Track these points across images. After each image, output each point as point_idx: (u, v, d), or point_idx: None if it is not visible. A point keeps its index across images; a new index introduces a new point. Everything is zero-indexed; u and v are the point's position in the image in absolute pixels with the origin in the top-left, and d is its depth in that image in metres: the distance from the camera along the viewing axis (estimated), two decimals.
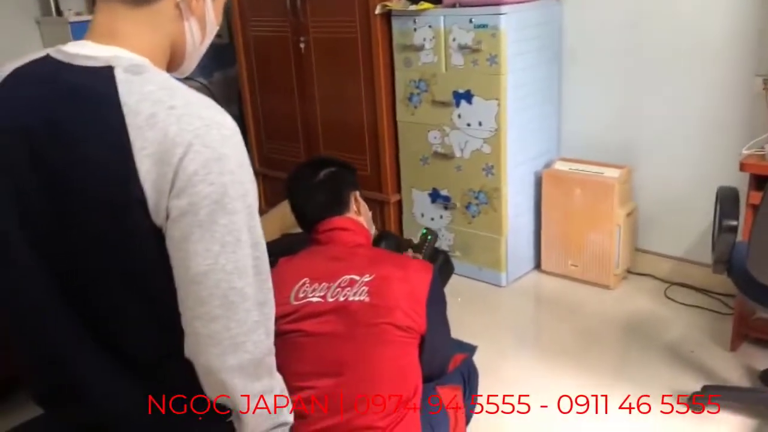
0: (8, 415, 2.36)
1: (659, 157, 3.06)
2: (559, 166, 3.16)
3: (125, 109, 0.90)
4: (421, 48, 3.09)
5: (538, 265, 3.31)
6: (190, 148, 0.89)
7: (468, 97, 3.00)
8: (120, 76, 0.93)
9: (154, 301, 0.97)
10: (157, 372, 1.01)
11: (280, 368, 1.52)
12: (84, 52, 0.97)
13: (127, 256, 0.94)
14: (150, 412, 1.01)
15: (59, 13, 4.19)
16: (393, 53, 3.23)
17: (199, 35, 1.08)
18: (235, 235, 0.92)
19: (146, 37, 1.00)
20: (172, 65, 1.08)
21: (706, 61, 2.82)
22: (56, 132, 0.93)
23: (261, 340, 0.97)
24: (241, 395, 0.96)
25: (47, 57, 0.99)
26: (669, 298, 2.97)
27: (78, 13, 4.09)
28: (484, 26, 2.86)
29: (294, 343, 1.52)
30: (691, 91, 2.89)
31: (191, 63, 1.12)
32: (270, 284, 0.99)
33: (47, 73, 0.97)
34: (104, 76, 0.93)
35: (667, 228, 3.12)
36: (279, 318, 1.56)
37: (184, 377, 0.97)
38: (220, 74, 4.35)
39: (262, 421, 1.01)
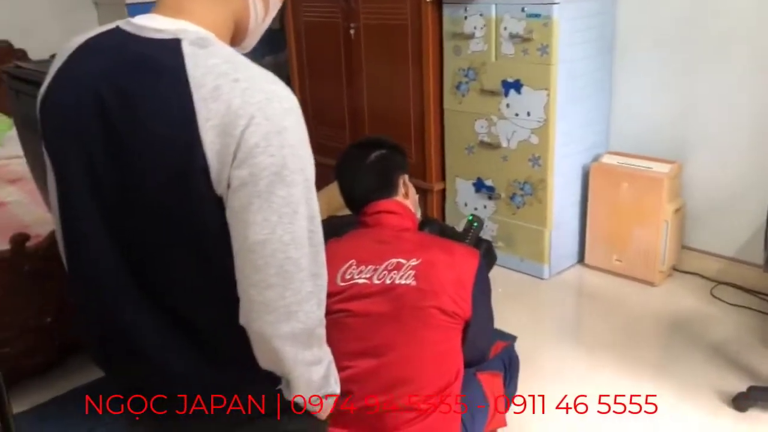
0: (70, 377, 2.47)
1: (710, 154, 2.99)
2: (608, 159, 3.12)
3: (191, 81, 0.92)
4: (471, 36, 3.08)
5: (581, 259, 3.28)
6: (252, 121, 0.90)
7: (517, 86, 2.98)
8: (186, 48, 0.95)
9: (213, 269, 0.99)
10: (213, 337, 1.03)
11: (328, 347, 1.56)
12: (152, 24, 0.99)
13: (189, 223, 0.96)
14: (205, 374, 1.04)
15: None
16: (442, 41, 3.22)
17: (262, 12, 1.10)
18: (292, 207, 0.94)
19: (212, 12, 1.02)
20: (234, 41, 1.10)
21: (764, 57, 2.75)
22: (125, 100, 0.95)
23: (313, 310, 0.99)
24: (292, 363, 0.99)
25: (116, 29, 1.02)
26: (715, 297, 2.92)
27: None
28: (536, 15, 2.84)
29: (339, 323, 1.54)
30: (746, 87, 2.82)
31: (253, 39, 1.14)
32: (323, 257, 1.00)
33: (116, 44, 1.00)
34: (171, 48, 0.95)
35: (715, 226, 3.05)
36: (326, 297, 1.59)
37: (239, 344, 1.00)
38: (270, 59, 4.40)
39: (311, 389, 1.04)
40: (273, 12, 1.13)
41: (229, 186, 0.92)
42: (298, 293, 0.96)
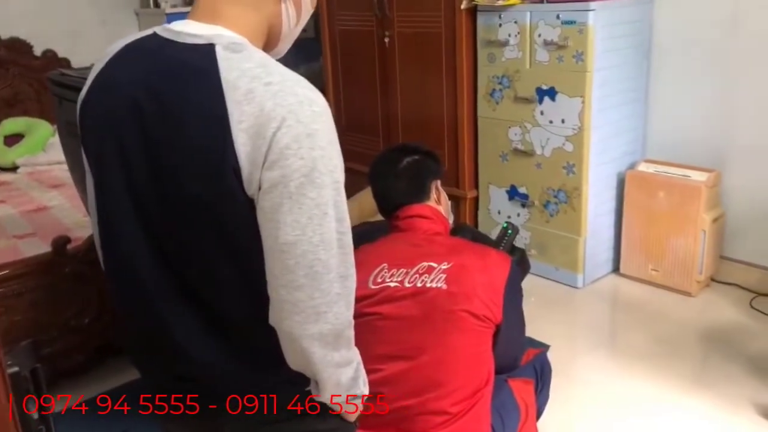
0: (107, 378, 2.51)
1: (751, 162, 2.93)
2: (644, 167, 3.08)
3: (225, 84, 0.94)
4: (505, 43, 3.07)
5: (616, 268, 3.24)
6: (284, 123, 0.92)
7: (552, 94, 2.96)
8: (220, 53, 0.97)
9: (245, 269, 1.01)
10: (246, 336, 1.05)
11: (358, 349, 1.57)
12: (188, 30, 1.02)
13: (221, 223, 0.98)
14: (238, 373, 1.06)
15: (157, 5, 4.38)
16: (476, 49, 3.22)
17: (294, 18, 1.12)
18: (322, 209, 0.95)
19: (246, 17, 1.05)
20: (267, 46, 1.12)
21: None
22: (160, 104, 0.98)
23: (342, 312, 1.00)
24: (320, 364, 1.00)
25: (154, 34, 1.05)
26: (755, 308, 2.85)
27: (174, 6, 4.28)
28: (571, 22, 2.82)
29: (371, 326, 1.55)
30: None
31: (285, 45, 1.16)
32: (352, 259, 1.02)
33: (153, 49, 1.03)
34: (206, 52, 0.98)
35: (756, 236, 2.99)
36: (358, 300, 1.60)
37: (269, 341, 1.02)
38: (305, 68, 4.45)
39: (339, 390, 1.05)
40: (305, 18, 1.15)
41: (260, 188, 0.94)
42: (326, 294, 0.97)
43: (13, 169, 3.73)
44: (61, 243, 2.42)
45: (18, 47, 3.99)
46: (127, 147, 1.02)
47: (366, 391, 1.11)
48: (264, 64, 0.98)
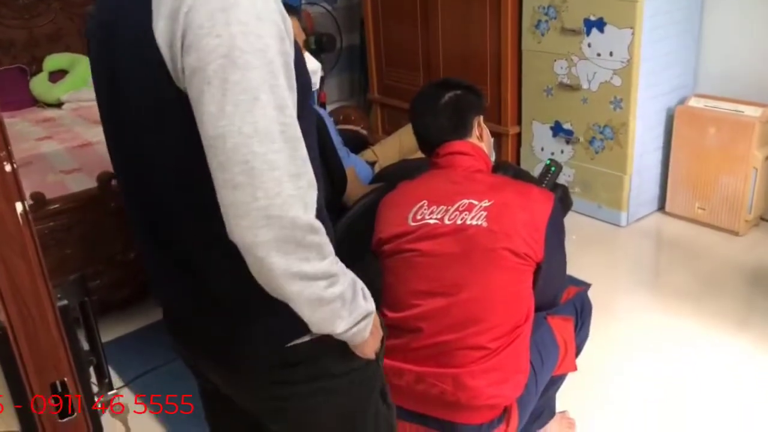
0: (152, 311, 2.59)
1: None
2: (694, 102, 2.97)
3: None
4: None
5: (662, 207, 3.17)
6: (197, 1, 0.84)
7: (600, 25, 2.85)
8: None
9: (190, 181, 0.94)
10: (203, 267, 1.01)
11: (397, 285, 1.58)
12: None
13: (161, 128, 0.93)
14: (203, 313, 1.05)
15: None
16: None
17: None
18: (251, 94, 0.83)
19: None
20: None
21: None
22: (119, 15, 0.95)
23: (299, 215, 0.85)
24: (284, 276, 0.86)
25: None
26: None
27: None
28: None
29: (410, 262, 1.55)
30: None
31: None
32: (305, 154, 0.88)
33: None
34: None
35: None
36: (397, 237, 1.60)
37: (228, 273, 0.95)
38: (344, 1, 4.36)
39: (324, 308, 0.91)
40: None
41: (184, 77, 0.86)
42: (275, 196, 0.84)
43: (58, 105, 3.78)
44: (105, 179, 2.47)
45: None
46: (101, 64, 1.01)
47: (371, 307, 0.99)
48: None
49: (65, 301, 0.76)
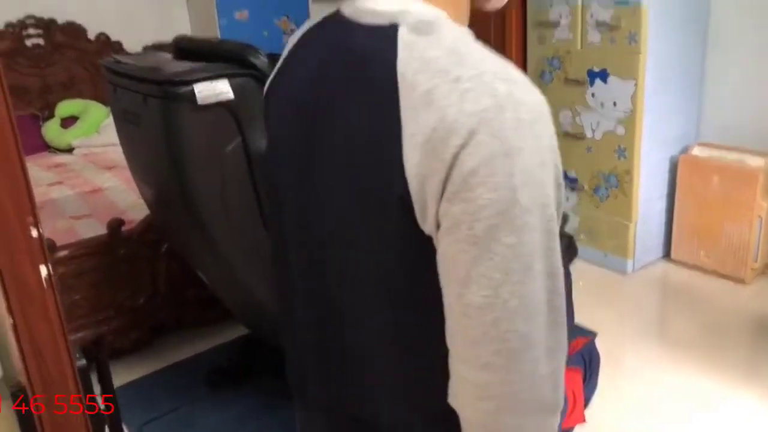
0: (159, 356, 2.59)
1: None
2: (698, 151, 3.00)
3: (400, 82, 0.71)
4: (556, 24, 3.02)
5: (667, 254, 3.18)
6: (472, 138, 0.66)
7: (603, 76, 2.90)
8: (404, 37, 0.73)
9: (405, 326, 0.81)
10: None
11: None
12: (372, 5, 0.79)
13: (379, 263, 0.77)
14: None
15: None
16: (526, 29, 3.17)
17: None
18: (525, 261, 0.68)
19: None
20: (479, 4, 0.86)
21: None
22: (327, 106, 0.80)
23: (546, 395, 0.74)
24: None
25: (336, 13, 0.85)
26: None
27: None
28: (624, 3, 2.75)
29: None
30: None
31: None
32: (564, 329, 0.75)
33: (330, 35, 0.84)
34: (386, 36, 0.74)
35: None
36: None
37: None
38: None
39: None
40: None
41: (438, 225, 0.70)
42: (528, 377, 0.71)
43: (69, 150, 3.84)
44: (115, 225, 2.50)
45: (73, 31, 4.09)
46: (297, 156, 0.85)
47: None
48: (456, 50, 0.71)
49: (84, 362, 0.77)
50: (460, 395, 0.74)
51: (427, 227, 0.71)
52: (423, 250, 0.72)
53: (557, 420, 0.77)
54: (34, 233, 0.69)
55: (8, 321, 0.71)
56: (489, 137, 0.66)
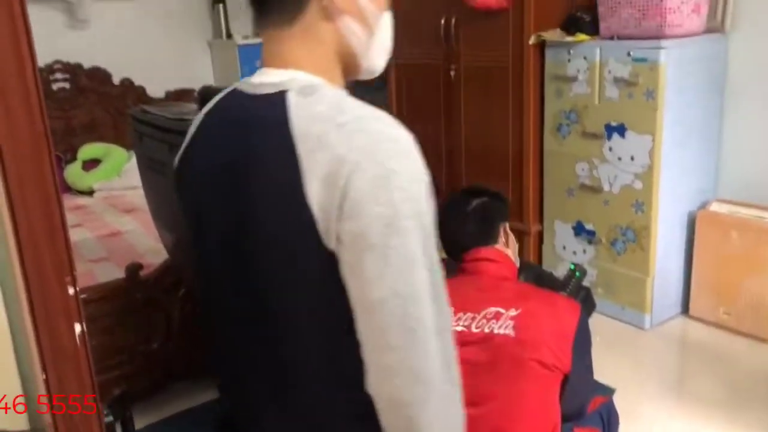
0: (173, 402, 2.57)
1: None
2: (716, 207, 3.00)
3: (295, 133, 0.89)
4: (574, 79, 3.05)
5: (686, 310, 3.14)
6: (358, 166, 0.84)
7: (621, 130, 2.92)
8: (292, 99, 0.92)
9: (326, 330, 0.95)
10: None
11: None
12: (263, 79, 0.98)
13: (302, 281, 0.92)
14: None
15: (229, 36, 4.52)
16: (544, 83, 3.21)
17: (362, 32, 1.01)
18: (410, 258, 0.86)
19: (313, 53, 0.98)
20: (353, 71, 1.05)
21: None
22: (244, 164, 0.95)
23: (439, 369, 0.89)
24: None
25: (234, 90, 1.03)
26: None
27: (245, 37, 4.40)
28: (642, 60, 2.79)
29: None
30: None
31: (373, 61, 1.06)
32: (448, 310, 0.92)
33: (233, 107, 1.02)
34: (279, 101, 0.93)
35: None
36: None
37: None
38: (369, 98, 4.48)
39: None
40: (380, 26, 1.04)
41: (339, 240, 0.87)
42: (425, 355, 0.88)
43: (90, 193, 3.89)
44: (134, 269, 2.51)
45: (98, 76, 4.18)
46: (219, 209, 1.00)
47: None
48: (337, 104, 0.91)
49: (110, 418, 0.77)
50: (373, 379, 0.89)
51: (331, 244, 0.87)
52: (331, 264, 0.88)
53: (457, 394, 0.93)
54: (71, 291, 0.70)
55: (41, 377, 0.72)
56: (371, 165, 0.85)
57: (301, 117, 0.90)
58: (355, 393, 0.91)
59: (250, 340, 1.03)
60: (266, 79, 0.98)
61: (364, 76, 1.07)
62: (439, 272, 0.90)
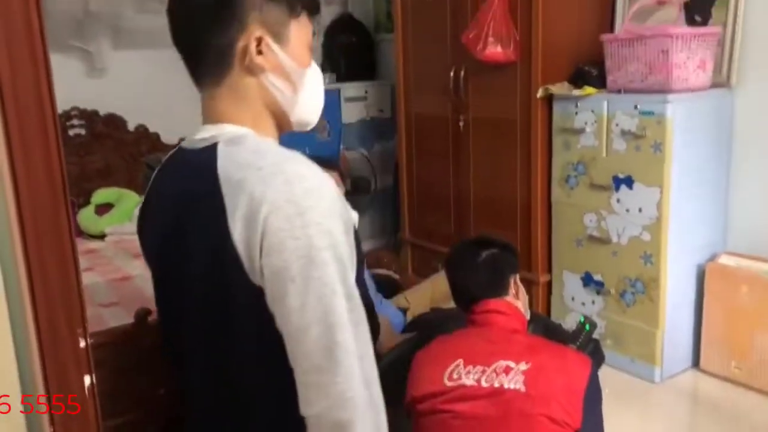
0: None
1: None
2: (725, 260, 2.99)
3: (221, 179, 0.99)
4: (581, 131, 3.08)
5: (696, 364, 3.10)
6: (274, 206, 0.93)
7: (629, 182, 2.94)
8: (221, 149, 1.04)
9: (267, 362, 1.03)
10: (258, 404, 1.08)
11: None
12: (200, 135, 1.11)
13: (231, 313, 1.01)
14: None
15: None
16: (551, 135, 3.24)
17: (286, 86, 1.11)
18: (330, 287, 0.94)
19: (241, 109, 1.10)
20: (284, 124, 1.16)
21: None
22: (183, 209, 1.08)
23: (363, 392, 0.96)
24: None
25: (179, 148, 1.18)
26: None
27: None
28: (649, 113, 2.82)
29: (444, 424, 1.54)
30: None
31: (301, 116, 1.15)
32: (368, 336, 1.00)
33: (178, 161, 1.18)
34: (210, 151, 1.05)
35: None
36: (431, 396, 1.59)
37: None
38: (379, 146, 4.56)
39: None
40: (304, 81, 1.12)
41: (263, 275, 0.95)
42: (350, 378, 0.95)
43: (101, 237, 3.91)
44: (142, 315, 2.51)
45: (114, 123, 4.25)
46: (167, 254, 1.14)
47: None
48: (258, 150, 1.03)
49: None
50: (303, 401, 0.96)
51: (256, 278, 0.96)
52: (259, 297, 0.96)
53: (382, 417, 0.99)
54: (82, 344, 0.71)
55: (47, 429, 0.72)
56: (286, 203, 0.93)
57: (226, 164, 1.01)
58: (297, 413, 0.98)
59: (202, 369, 1.13)
60: (203, 135, 1.11)
61: (297, 128, 1.17)
62: (358, 299, 0.98)
